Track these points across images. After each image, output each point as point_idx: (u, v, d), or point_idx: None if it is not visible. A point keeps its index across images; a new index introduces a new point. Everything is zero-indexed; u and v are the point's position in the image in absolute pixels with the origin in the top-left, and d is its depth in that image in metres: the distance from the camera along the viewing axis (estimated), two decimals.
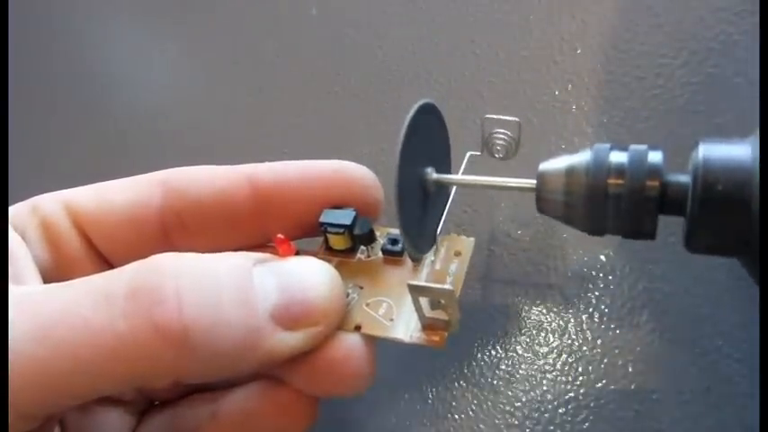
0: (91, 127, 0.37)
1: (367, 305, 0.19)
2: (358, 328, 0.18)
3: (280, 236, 0.18)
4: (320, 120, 0.32)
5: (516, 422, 0.22)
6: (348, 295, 0.19)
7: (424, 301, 0.17)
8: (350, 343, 0.18)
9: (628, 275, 0.24)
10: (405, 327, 0.18)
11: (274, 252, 0.18)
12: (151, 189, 0.20)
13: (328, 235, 0.20)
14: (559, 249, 0.25)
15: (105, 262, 0.20)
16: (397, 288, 0.19)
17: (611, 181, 0.17)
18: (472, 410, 0.23)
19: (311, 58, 0.34)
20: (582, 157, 0.18)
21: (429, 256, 0.20)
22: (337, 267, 0.18)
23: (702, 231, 0.16)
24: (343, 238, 0.20)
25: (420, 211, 0.19)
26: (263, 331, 0.16)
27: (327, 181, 0.20)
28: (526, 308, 0.24)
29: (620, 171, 0.17)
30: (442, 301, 0.17)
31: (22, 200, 0.20)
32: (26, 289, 0.16)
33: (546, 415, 0.22)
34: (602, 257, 0.24)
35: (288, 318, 0.16)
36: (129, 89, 0.38)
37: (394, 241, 0.20)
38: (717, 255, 0.17)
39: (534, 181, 0.19)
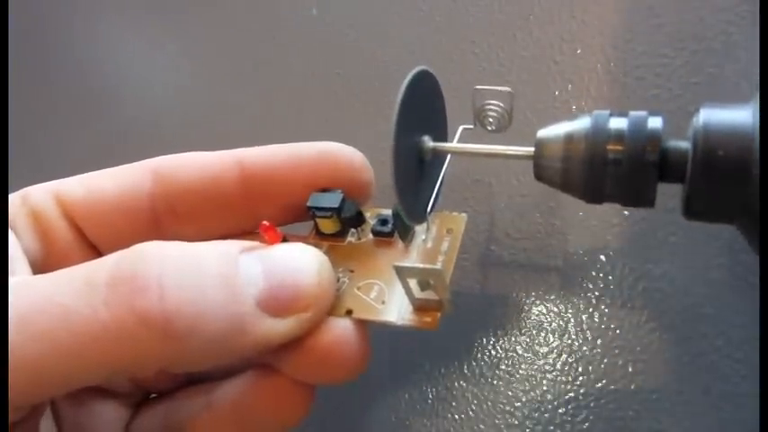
0: (90, 127, 0.37)
1: (358, 289, 0.18)
2: (349, 313, 0.18)
3: (265, 222, 0.17)
4: (320, 120, 0.32)
5: (516, 422, 0.22)
6: (339, 279, 0.18)
7: (412, 282, 0.17)
8: (341, 328, 0.17)
9: (628, 275, 0.24)
10: (397, 309, 0.18)
11: (264, 241, 0.18)
12: (141, 176, 0.20)
13: (317, 219, 0.20)
14: (559, 249, 0.25)
15: (95, 251, 0.20)
16: (388, 270, 0.18)
17: (611, 147, 0.17)
18: (472, 410, 0.23)
19: (311, 58, 0.34)
20: (581, 124, 0.17)
21: (420, 235, 0.20)
22: (328, 252, 0.18)
23: (702, 196, 0.16)
24: (332, 221, 0.19)
25: (415, 179, 0.18)
26: (249, 318, 0.15)
27: (315, 162, 0.20)
28: (526, 308, 0.24)
29: (619, 136, 0.17)
30: (432, 282, 0.17)
31: None
32: (11, 280, 0.16)
33: (546, 415, 0.22)
34: (603, 257, 0.24)
35: (275, 304, 0.16)
36: (128, 89, 0.38)
37: (384, 222, 0.20)
38: (715, 221, 0.17)
39: (532, 149, 0.18)
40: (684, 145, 0.16)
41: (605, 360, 0.23)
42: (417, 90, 0.18)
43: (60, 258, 0.19)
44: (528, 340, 0.24)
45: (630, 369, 0.22)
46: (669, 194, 0.24)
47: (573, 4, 0.30)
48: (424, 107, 0.19)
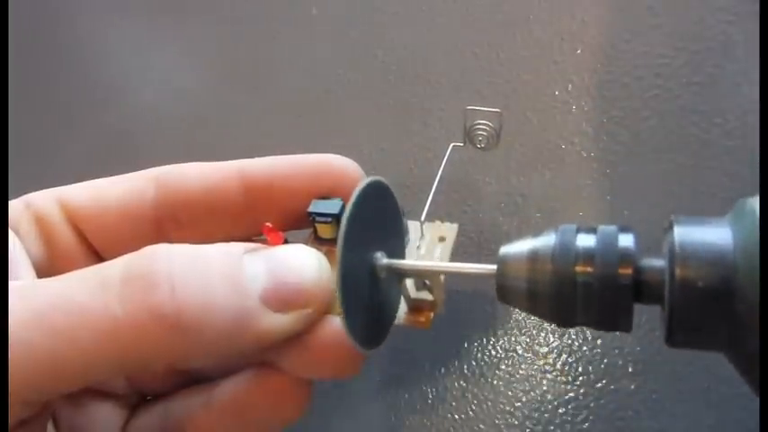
0: (91, 127, 0.37)
1: None
2: None
3: (268, 224, 0.18)
4: (320, 120, 0.32)
5: (516, 422, 0.22)
6: None
7: (409, 282, 0.18)
8: (340, 326, 0.17)
9: None
10: None
11: (266, 243, 0.18)
12: (144, 184, 0.20)
13: (317, 224, 0.20)
14: None
15: (99, 257, 0.20)
16: None
17: (580, 268, 0.15)
18: (472, 410, 0.23)
19: (311, 58, 0.34)
20: (546, 241, 0.16)
21: (414, 243, 0.20)
22: (326, 256, 0.19)
23: (683, 328, 0.15)
24: (331, 227, 0.20)
25: (368, 299, 0.18)
26: (254, 313, 0.16)
27: (314, 173, 0.20)
28: None
29: (589, 257, 0.15)
30: (428, 282, 0.18)
31: None
32: (21, 282, 0.16)
33: (546, 415, 0.22)
34: None
35: (277, 300, 0.17)
36: (129, 89, 0.38)
37: None
38: (701, 350, 0.15)
39: (494, 266, 0.17)
40: (660, 264, 0.15)
41: (605, 360, 0.23)
42: (369, 203, 0.17)
43: (64, 263, 0.20)
44: (528, 340, 0.24)
45: (630, 369, 0.22)
46: (668, 192, 0.24)
47: (573, 4, 0.30)
48: (377, 220, 0.18)
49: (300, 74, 0.34)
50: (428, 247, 0.20)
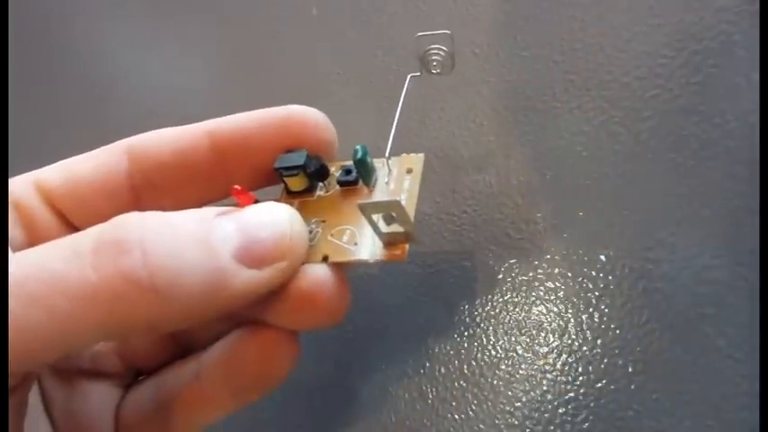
0: (89, 127, 0.37)
1: (331, 236, 0.19)
2: (326, 259, 0.19)
3: (237, 187, 0.18)
4: None
5: (516, 422, 0.22)
6: (312, 231, 0.19)
7: (377, 217, 0.18)
8: (318, 272, 0.18)
9: (628, 275, 0.24)
10: (368, 248, 0.19)
11: (237, 205, 0.18)
12: (117, 156, 0.21)
13: (285, 179, 0.21)
14: (560, 249, 0.25)
15: None
16: (356, 215, 0.19)
17: None
18: (472, 410, 0.23)
19: (311, 58, 0.34)
20: None
21: (383, 179, 0.20)
22: (299, 208, 0.19)
23: None
24: (299, 178, 0.20)
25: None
26: (228, 272, 0.16)
27: (280, 125, 0.21)
28: (526, 308, 0.24)
29: None
30: (394, 214, 0.18)
31: None
32: None
33: (546, 415, 0.22)
34: (602, 257, 0.24)
35: (251, 257, 0.17)
36: (128, 89, 0.38)
37: (348, 171, 0.21)
38: None
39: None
40: None
41: (605, 360, 0.23)
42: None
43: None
44: (528, 340, 0.24)
45: (630, 369, 0.22)
46: (668, 192, 0.24)
47: (573, 4, 0.30)
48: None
49: (300, 74, 0.34)
50: (397, 180, 0.20)
